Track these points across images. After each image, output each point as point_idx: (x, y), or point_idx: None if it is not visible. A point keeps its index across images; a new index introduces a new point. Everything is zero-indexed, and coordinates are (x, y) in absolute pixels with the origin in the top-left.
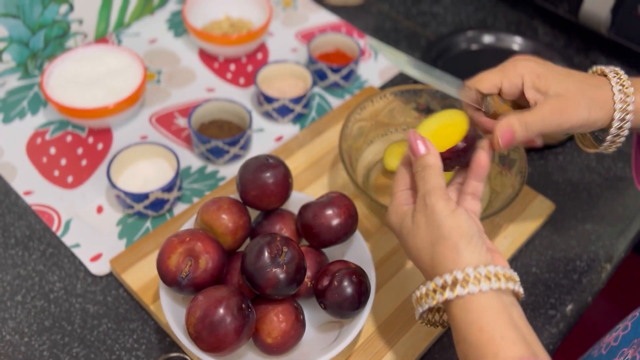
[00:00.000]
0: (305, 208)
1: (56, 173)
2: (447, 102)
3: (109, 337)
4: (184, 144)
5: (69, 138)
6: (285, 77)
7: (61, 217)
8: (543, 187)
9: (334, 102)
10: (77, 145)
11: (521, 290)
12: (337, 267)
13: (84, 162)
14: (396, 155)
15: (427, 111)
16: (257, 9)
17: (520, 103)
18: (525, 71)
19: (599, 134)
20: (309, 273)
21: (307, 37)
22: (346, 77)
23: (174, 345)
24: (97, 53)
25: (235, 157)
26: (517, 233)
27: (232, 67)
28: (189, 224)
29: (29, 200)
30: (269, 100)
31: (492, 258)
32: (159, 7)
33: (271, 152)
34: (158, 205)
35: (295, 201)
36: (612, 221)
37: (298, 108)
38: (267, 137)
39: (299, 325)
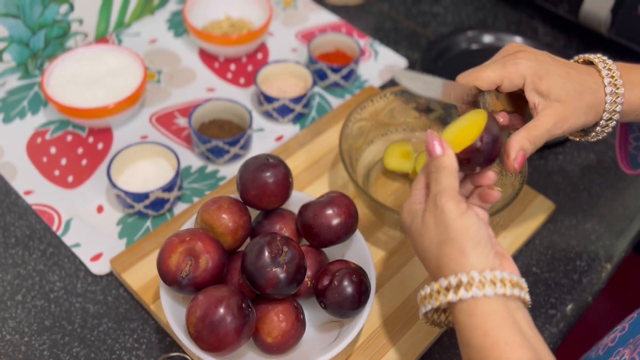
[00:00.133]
0: (305, 208)
1: (56, 173)
2: (447, 103)
3: (109, 337)
4: (184, 143)
5: (69, 138)
6: (286, 77)
7: (61, 216)
8: (543, 187)
9: (334, 102)
10: (78, 145)
11: (528, 298)
12: (337, 267)
13: (84, 162)
14: (396, 155)
15: (427, 111)
16: (257, 9)
17: (514, 96)
18: (527, 72)
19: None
20: (309, 273)
21: (307, 37)
22: (346, 77)
23: (174, 345)
24: (97, 53)
25: (236, 156)
26: (517, 233)
27: (233, 67)
28: (189, 224)
29: (29, 200)
30: (269, 100)
31: (500, 263)
32: (159, 7)
33: (271, 151)
34: (158, 204)
35: (296, 201)
36: (612, 221)
37: (298, 108)
38: (267, 137)
39: (299, 324)
